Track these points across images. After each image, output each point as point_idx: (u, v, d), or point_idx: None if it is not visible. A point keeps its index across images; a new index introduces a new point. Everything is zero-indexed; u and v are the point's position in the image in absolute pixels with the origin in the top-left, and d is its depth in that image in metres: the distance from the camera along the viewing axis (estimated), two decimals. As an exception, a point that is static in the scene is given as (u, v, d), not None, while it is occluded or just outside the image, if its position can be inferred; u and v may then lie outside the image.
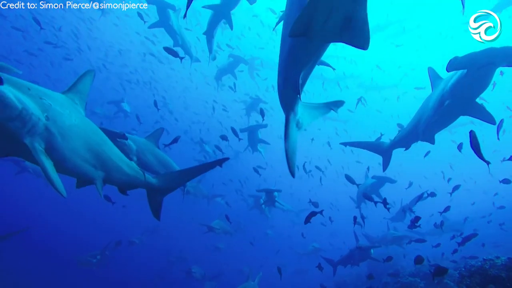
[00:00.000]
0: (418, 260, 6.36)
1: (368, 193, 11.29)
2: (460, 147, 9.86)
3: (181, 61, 8.60)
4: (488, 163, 4.64)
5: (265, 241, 20.77)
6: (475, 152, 4.33)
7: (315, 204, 8.94)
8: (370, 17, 2.62)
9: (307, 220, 7.10)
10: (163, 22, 10.45)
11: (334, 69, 8.15)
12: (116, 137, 5.67)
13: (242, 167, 19.68)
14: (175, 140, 7.49)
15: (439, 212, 9.13)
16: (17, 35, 19.18)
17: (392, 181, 11.18)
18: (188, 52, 12.43)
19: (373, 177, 11.78)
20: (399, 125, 11.59)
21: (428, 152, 10.15)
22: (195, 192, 12.89)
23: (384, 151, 8.37)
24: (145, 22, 10.98)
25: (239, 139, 9.50)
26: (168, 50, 8.09)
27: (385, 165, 8.37)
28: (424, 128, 6.81)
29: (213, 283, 15.92)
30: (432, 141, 6.99)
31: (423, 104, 7.03)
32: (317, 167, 13.11)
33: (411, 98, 19.45)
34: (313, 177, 14.93)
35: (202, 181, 13.93)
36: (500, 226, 13.64)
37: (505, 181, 9.38)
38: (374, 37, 22.16)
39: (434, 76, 6.87)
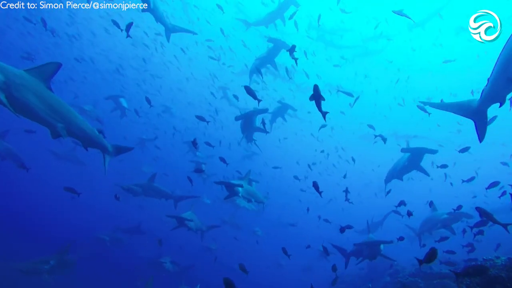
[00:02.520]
0: (432, 254, 4.50)
1: (407, 170, 9.86)
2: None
3: (123, 32, 7.75)
4: (325, 113, 4.56)
5: (256, 240, 20.24)
6: (316, 105, 4.39)
7: (326, 250, 8.41)
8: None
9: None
10: None
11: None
12: None
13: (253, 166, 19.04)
14: (194, 143, 7.96)
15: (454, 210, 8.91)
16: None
17: (432, 151, 8.85)
18: (160, 19, 10.15)
19: (402, 150, 9.45)
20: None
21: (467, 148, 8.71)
22: (150, 193, 10.52)
23: (474, 112, 5.94)
24: (121, 30, 9.32)
25: (197, 147, 8.35)
26: (114, 22, 8.17)
27: (481, 131, 5.96)
28: None
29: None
30: None
31: None
32: (295, 177, 13.63)
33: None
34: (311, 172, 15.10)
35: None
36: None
37: (493, 185, 8.57)
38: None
39: None
